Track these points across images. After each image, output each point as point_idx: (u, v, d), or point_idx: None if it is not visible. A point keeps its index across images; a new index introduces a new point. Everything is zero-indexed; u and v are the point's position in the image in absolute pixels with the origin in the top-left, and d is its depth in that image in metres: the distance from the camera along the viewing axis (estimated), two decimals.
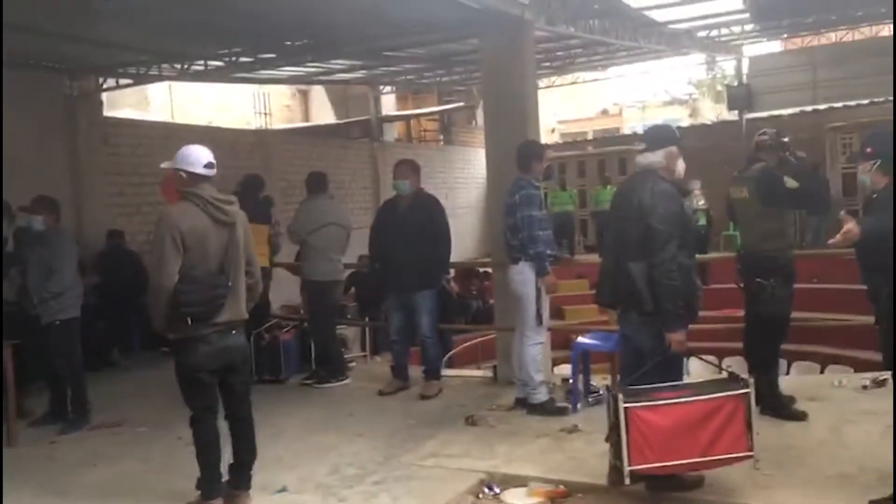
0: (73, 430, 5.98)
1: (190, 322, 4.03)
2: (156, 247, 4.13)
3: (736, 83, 17.67)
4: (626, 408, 3.84)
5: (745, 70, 17.29)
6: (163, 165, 4.30)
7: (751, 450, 3.95)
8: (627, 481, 3.90)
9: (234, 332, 4.25)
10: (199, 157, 4.20)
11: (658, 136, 4.42)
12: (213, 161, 4.22)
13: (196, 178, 4.16)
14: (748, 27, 13.17)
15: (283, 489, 4.55)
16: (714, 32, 13.39)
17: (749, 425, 3.94)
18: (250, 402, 4.41)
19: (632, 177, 4.52)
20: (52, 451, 5.52)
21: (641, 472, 3.92)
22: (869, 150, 3.92)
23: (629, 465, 3.86)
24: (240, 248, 4.27)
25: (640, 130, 24.67)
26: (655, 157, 4.29)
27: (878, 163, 3.82)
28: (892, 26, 15.28)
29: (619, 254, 4.26)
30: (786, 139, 5.66)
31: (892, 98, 15.98)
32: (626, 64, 16.39)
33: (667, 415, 3.88)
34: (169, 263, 4.02)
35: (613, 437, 3.99)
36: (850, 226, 3.50)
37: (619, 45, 11.99)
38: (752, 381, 4.07)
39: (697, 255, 4.70)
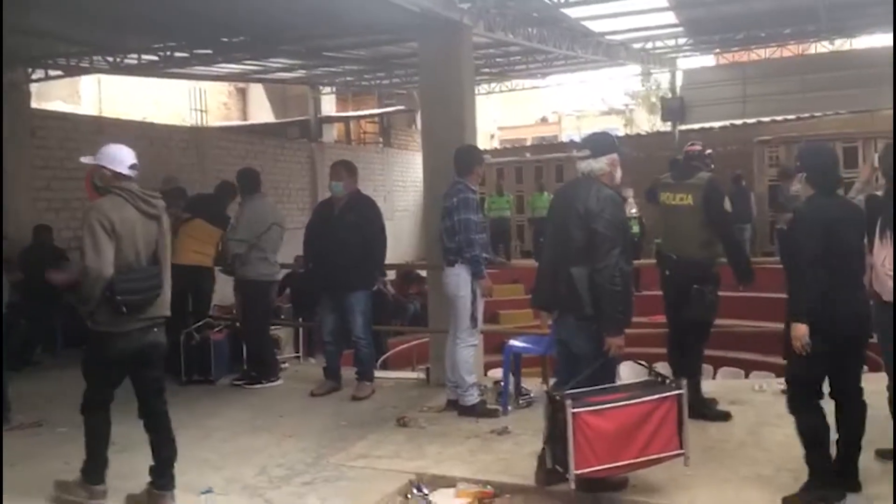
0: None
1: (125, 311, 4.03)
2: (88, 235, 4.06)
3: (670, 95, 18.09)
4: (573, 413, 3.86)
5: (679, 82, 17.73)
6: (83, 160, 4.29)
7: (682, 448, 4.08)
8: (573, 486, 3.94)
9: (155, 329, 4.27)
10: (124, 157, 4.21)
11: (602, 143, 4.48)
12: (136, 163, 4.23)
13: (120, 177, 4.17)
14: (682, 41, 13.53)
15: (209, 490, 4.47)
16: (649, 45, 13.73)
17: (681, 425, 4.07)
18: (165, 399, 4.41)
19: (573, 182, 4.56)
20: None
21: (585, 476, 3.96)
22: (798, 163, 4.19)
23: (575, 469, 3.88)
24: (168, 241, 4.31)
25: (577, 139, 25.11)
26: (598, 164, 4.34)
27: (805, 175, 4.06)
28: (819, 44, 15.92)
29: (559, 258, 4.30)
30: (709, 152, 5.84)
31: (816, 115, 16.67)
32: (564, 73, 16.66)
33: (610, 418, 3.95)
34: (106, 251, 4.01)
35: (552, 440, 4.04)
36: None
37: (558, 54, 12.21)
38: (683, 382, 4.19)
39: None
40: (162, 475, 4.30)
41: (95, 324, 4.12)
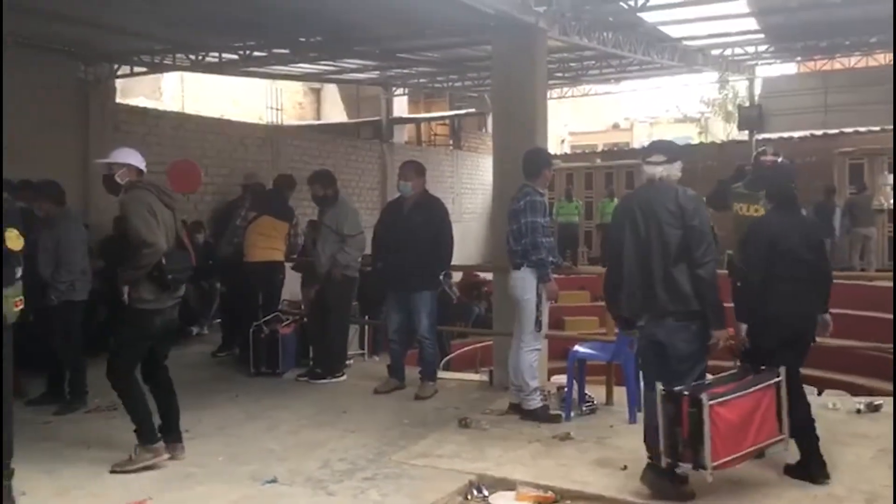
0: (68, 412, 6.02)
1: (171, 287, 4.69)
2: (138, 217, 4.61)
3: (748, 103, 17.67)
4: (711, 405, 3.95)
5: (757, 90, 17.31)
6: (103, 161, 4.90)
7: (783, 433, 4.25)
8: (710, 479, 4.01)
9: (177, 307, 4.95)
10: (141, 158, 4.91)
11: (674, 149, 4.55)
12: None
13: (142, 174, 4.87)
14: (762, 48, 13.21)
15: (273, 480, 4.58)
16: (728, 51, 13.43)
17: (780, 411, 4.24)
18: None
19: (646, 187, 4.48)
20: (47, 432, 5.56)
21: (720, 468, 4.03)
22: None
23: (712, 462, 3.96)
24: (180, 228, 4.98)
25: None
26: (674, 170, 4.40)
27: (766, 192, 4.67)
28: None
29: (652, 261, 4.27)
30: (781, 160, 5.66)
31: None
32: (638, 79, 16.45)
33: (734, 408, 4.07)
34: (157, 229, 4.61)
35: (672, 437, 4.07)
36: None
37: (633, 59, 12.03)
38: (782, 369, 4.29)
39: None
40: (173, 429, 4.90)
41: (140, 302, 4.66)
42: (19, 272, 3.97)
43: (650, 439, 4.28)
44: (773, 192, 4.68)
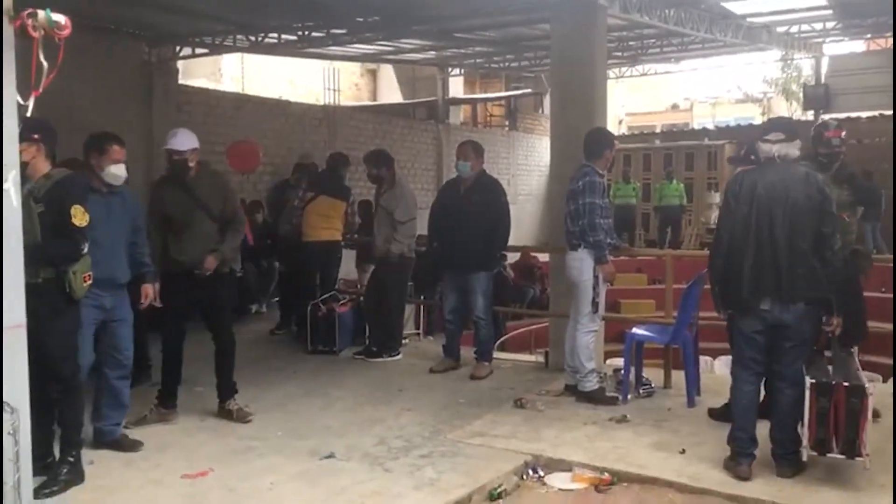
0: (134, 386, 6.17)
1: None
2: (237, 198, 5.68)
3: (812, 82, 17.15)
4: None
5: (823, 69, 16.78)
6: (182, 148, 5.19)
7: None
8: (868, 466, 4.14)
9: None
10: None
11: (793, 127, 4.42)
12: None
13: None
14: (829, 24, 12.79)
15: (331, 455, 4.65)
16: (794, 28, 13.05)
17: None
18: None
19: (768, 167, 4.31)
20: None
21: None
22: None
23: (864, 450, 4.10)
24: None
25: (710, 126, 24.28)
26: (793, 149, 4.30)
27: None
28: None
29: (787, 244, 4.16)
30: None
31: None
32: (699, 58, 16.09)
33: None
34: None
35: (824, 426, 4.14)
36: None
37: (694, 38, 11.76)
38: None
39: None
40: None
41: (227, 268, 5.38)
42: (85, 248, 4.07)
43: (780, 433, 4.33)
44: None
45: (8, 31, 2.49)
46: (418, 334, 9.13)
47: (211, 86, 14.39)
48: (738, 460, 4.30)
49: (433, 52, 14.01)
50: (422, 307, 9.60)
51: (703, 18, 10.55)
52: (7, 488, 2.16)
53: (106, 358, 4.67)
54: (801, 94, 20.53)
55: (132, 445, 4.73)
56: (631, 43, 13.55)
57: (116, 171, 4.55)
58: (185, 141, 5.21)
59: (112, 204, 4.60)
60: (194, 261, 5.20)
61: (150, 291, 4.91)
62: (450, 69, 17.16)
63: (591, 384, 5.84)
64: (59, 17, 2.53)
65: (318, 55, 13.49)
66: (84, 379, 4.43)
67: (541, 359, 7.19)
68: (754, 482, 4.20)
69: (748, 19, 11.66)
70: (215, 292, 5.36)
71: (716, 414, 5.25)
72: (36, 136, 3.93)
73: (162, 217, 5.29)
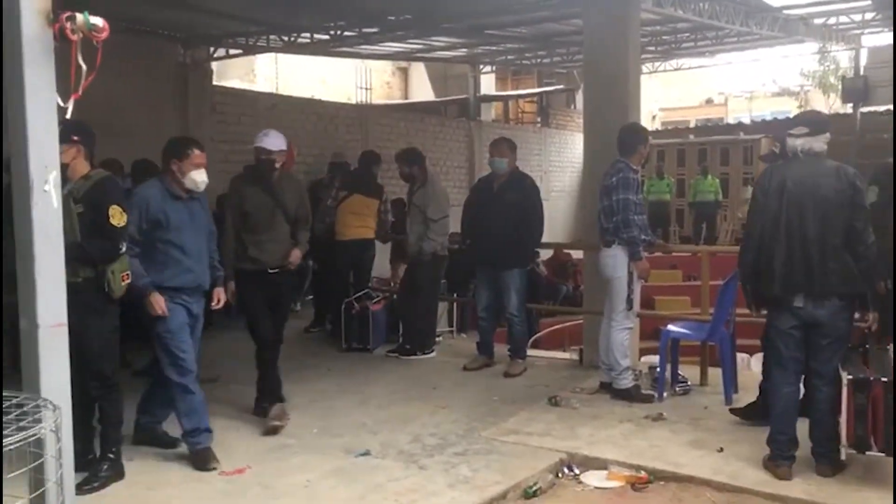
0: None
1: None
2: (307, 199, 5.87)
3: (852, 74, 16.83)
4: None
5: (863, 61, 16.45)
6: (278, 149, 5.33)
7: None
8: None
9: None
10: None
11: (819, 121, 4.36)
12: None
13: None
14: (868, 16, 12.53)
15: (367, 452, 4.67)
16: (832, 20, 12.80)
17: None
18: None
19: (796, 161, 4.25)
20: None
21: None
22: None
23: None
24: None
25: (746, 120, 23.94)
26: (818, 143, 4.24)
27: None
28: None
29: (818, 240, 4.10)
30: None
31: None
32: (734, 51, 15.82)
33: None
34: None
35: (862, 422, 4.08)
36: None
37: (730, 31, 11.59)
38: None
39: None
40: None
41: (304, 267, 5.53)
42: (124, 247, 4.12)
43: (819, 431, 4.25)
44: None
45: (47, 34, 2.52)
46: (452, 332, 9.13)
47: (244, 86, 14.50)
48: (778, 461, 4.24)
49: (464, 50, 13.99)
50: (455, 305, 9.59)
51: (739, 11, 10.39)
52: (50, 485, 2.19)
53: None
54: (839, 87, 20.14)
55: (206, 460, 4.46)
56: (664, 37, 13.39)
57: (197, 177, 4.48)
58: (275, 142, 5.27)
59: (193, 209, 4.55)
60: (274, 260, 5.26)
61: (221, 295, 4.87)
62: (481, 66, 17.10)
63: (627, 382, 5.79)
64: (98, 20, 2.56)
65: (351, 54, 13.54)
66: (194, 383, 4.49)
67: (575, 356, 7.16)
68: (794, 481, 4.15)
69: (785, 11, 11.47)
70: (283, 289, 5.44)
71: (740, 413, 5.17)
72: (76, 138, 4.00)
73: (240, 215, 5.29)
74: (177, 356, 4.45)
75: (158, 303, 4.36)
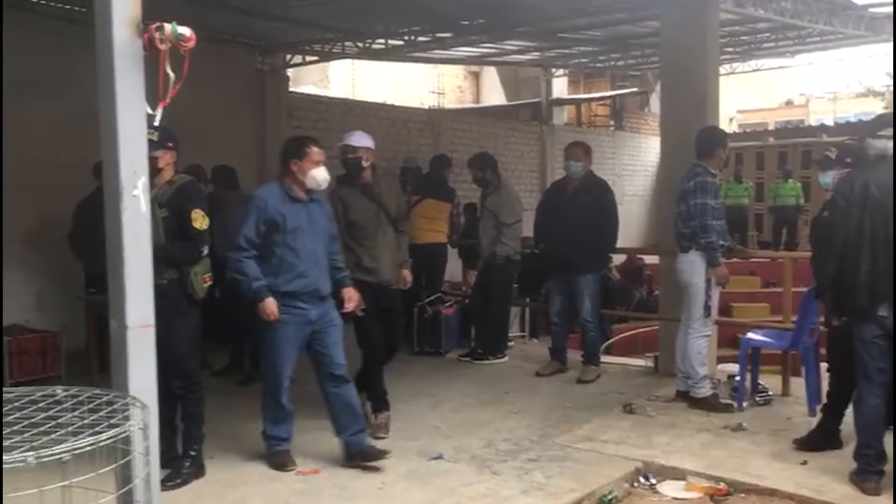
0: (250, 382, 6.39)
1: None
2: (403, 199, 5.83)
3: None
4: None
5: None
6: (363, 146, 5.13)
7: None
8: None
9: None
10: None
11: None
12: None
13: None
14: None
15: (439, 457, 4.68)
16: None
17: None
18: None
19: (880, 164, 4.10)
20: (230, 400, 5.92)
21: None
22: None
23: None
24: None
25: (829, 122, 23.18)
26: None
27: None
28: None
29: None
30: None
31: None
32: (817, 51, 15.32)
33: None
34: None
35: None
36: None
37: (812, 30, 11.22)
38: None
39: None
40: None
41: None
42: (205, 250, 4.23)
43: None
44: None
45: (137, 44, 2.60)
46: (524, 336, 9.08)
47: (319, 92, 14.73)
48: (865, 476, 4.07)
49: (536, 53, 13.90)
50: (527, 309, 9.55)
51: (822, 10, 10.05)
52: (138, 481, 2.25)
53: (321, 371, 4.54)
54: None
55: (378, 455, 4.50)
56: (743, 38, 13.03)
57: (318, 175, 4.38)
58: (360, 139, 5.10)
59: (312, 211, 4.46)
60: (386, 276, 5.14)
61: (353, 294, 4.69)
62: (553, 70, 16.99)
63: (704, 390, 5.67)
64: (185, 30, 2.62)
65: (423, 59, 13.61)
66: (285, 394, 4.48)
67: (650, 363, 7.04)
68: (882, 497, 3.99)
69: (871, 10, 11.05)
70: (396, 299, 5.38)
71: (800, 443, 4.80)
72: (171, 145, 4.13)
73: (347, 224, 5.08)
74: (277, 369, 4.45)
75: (270, 308, 4.29)
